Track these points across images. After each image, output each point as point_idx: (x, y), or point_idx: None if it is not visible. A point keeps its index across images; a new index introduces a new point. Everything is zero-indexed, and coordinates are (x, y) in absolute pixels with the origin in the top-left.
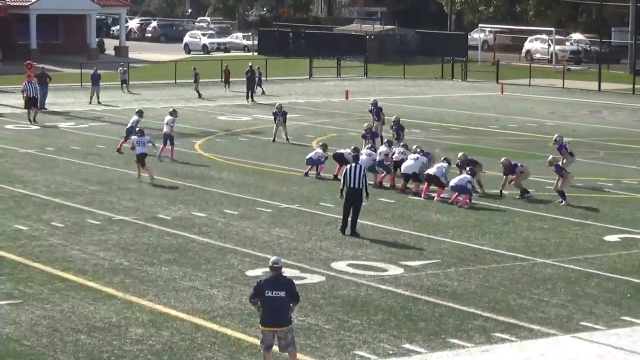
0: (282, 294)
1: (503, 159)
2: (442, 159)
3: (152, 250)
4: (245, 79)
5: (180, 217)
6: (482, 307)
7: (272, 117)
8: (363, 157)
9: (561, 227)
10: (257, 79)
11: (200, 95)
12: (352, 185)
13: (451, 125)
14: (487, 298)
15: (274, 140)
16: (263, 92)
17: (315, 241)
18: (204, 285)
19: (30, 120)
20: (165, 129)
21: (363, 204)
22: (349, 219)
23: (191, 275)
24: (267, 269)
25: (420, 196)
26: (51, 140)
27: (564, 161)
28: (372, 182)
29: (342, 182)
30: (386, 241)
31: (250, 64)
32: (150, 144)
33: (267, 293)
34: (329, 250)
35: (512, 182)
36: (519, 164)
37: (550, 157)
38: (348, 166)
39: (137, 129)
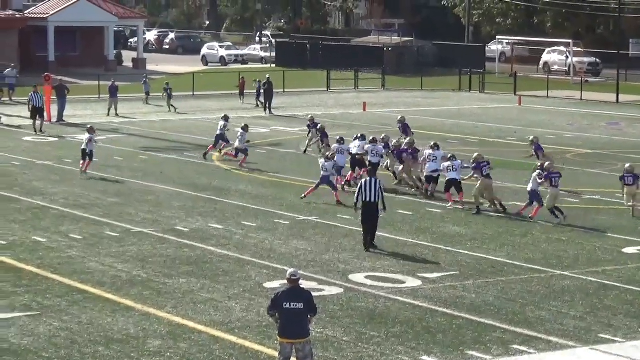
0: (300, 305)
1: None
2: (448, 156)
3: (170, 262)
4: (262, 91)
5: (199, 229)
6: (500, 319)
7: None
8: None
9: (579, 239)
10: (258, 91)
11: (175, 109)
12: (367, 199)
13: (469, 137)
14: (505, 310)
15: (304, 151)
16: (260, 105)
17: (333, 253)
18: (222, 297)
19: (35, 131)
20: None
21: (380, 216)
22: (367, 233)
23: (209, 287)
24: (285, 281)
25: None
26: (69, 152)
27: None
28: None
29: (356, 196)
30: (404, 253)
31: (267, 76)
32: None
33: (285, 305)
34: (347, 262)
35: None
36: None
37: (547, 163)
38: (363, 180)
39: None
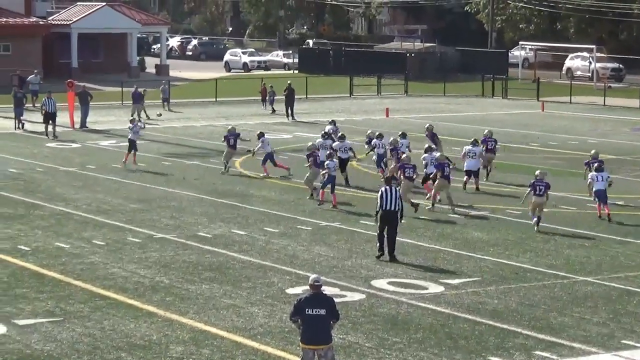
0: (323, 311)
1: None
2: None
3: (192, 268)
4: (273, 98)
5: (221, 234)
6: (523, 325)
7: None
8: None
9: (602, 245)
10: (270, 98)
11: (148, 117)
12: (387, 208)
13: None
14: (527, 316)
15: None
16: (273, 111)
17: (356, 259)
18: (244, 303)
19: (47, 136)
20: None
21: (400, 224)
22: (385, 242)
23: (231, 293)
24: (307, 287)
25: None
26: (92, 159)
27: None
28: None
29: (378, 204)
30: (426, 259)
31: (289, 82)
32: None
33: (308, 311)
34: (369, 268)
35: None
36: None
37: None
38: (383, 188)
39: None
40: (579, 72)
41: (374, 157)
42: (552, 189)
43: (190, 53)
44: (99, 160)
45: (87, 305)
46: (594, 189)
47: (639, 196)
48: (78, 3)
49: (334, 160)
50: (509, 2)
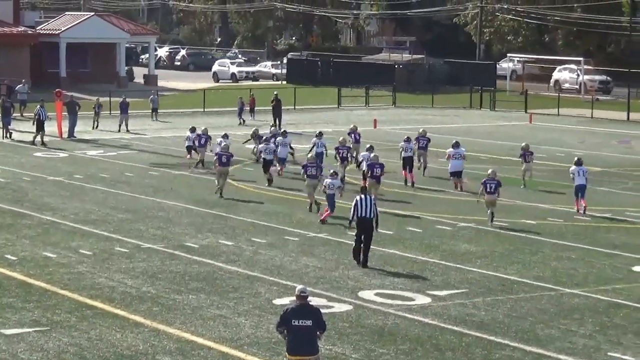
0: (309, 322)
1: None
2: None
3: (179, 278)
4: (271, 108)
5: (208, 245)
6: (510, 337)
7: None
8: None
9: (589, 257)
10: (243, 108)
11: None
12: (363, 215)
13: (480, 155)
14: (514, 328)
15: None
16: (243, 122)
17: (343, 270)
18: (231, 314)
19: (35, 144)
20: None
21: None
22: (361, 249)
23: (218, 303)
24: (294, 298)
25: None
26: (80, 168)
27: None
28: None
29: (352, 212)
30: (413, 270)
31: (275, 93)
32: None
33: (294, 322)
34: (357, 279)
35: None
36: None
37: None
38: (358, 197)
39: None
40: (566, 85)
41: (310, 155)
42: (540, 202)
43: (178, 63)
44: (87, 169)
45: (74, 315)
46: (574, 184)
47: (626, 208)
48: (66, 13)
49: (336, 179)
50: (497, 14)
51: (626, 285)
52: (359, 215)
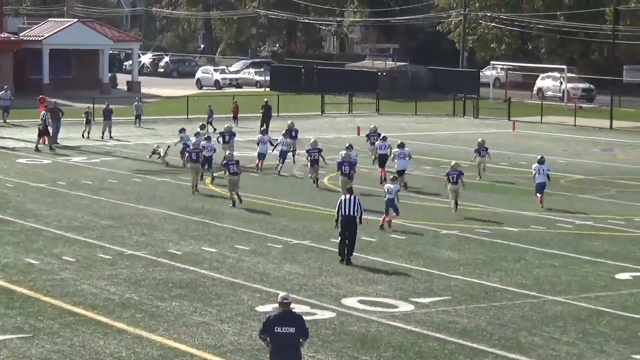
0: (292, 329)
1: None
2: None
3: (162, 285)
4: (260, 114)
5: (191, 252)
6: (493, 345)
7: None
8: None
9: (572, 265)
10: (212, 115)
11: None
12: (346, 214)
13: (463, 162)
14: (497, 335)
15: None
16: (214, 130)
17: (326, 277)
18: (214, 321)
19: (37, 149)
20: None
21: (358, 232)
22: (346, 248)
23: (201, 310)
24: (277, 305)
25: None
26: (63, 175)
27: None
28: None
29: (336, 211)
30: (397, 278)
31: (265, 100)
32: None
33: (277, 329)
34: (340, 287)
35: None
36: None
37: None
38: (343, 197)
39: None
40: (549, 92)
41: (275, 151)
42: (522, 209)
43: (162, 70)
44: (70, 176)
45: (57, 321)
46: (536, 181)
47: (609, 216)
48: (50, 19)
49: (395, 184)
50: (480, 22)
51: (609, 292)
52: (343, 214)
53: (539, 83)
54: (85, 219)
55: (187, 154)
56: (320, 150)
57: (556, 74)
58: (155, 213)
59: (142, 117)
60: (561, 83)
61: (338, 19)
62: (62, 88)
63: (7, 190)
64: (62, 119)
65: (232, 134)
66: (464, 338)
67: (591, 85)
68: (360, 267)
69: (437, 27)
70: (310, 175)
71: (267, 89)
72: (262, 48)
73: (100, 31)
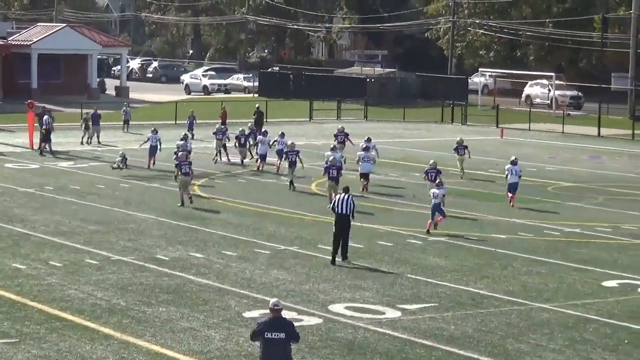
0: (282, 335)
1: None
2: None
3: (149, 290)
4: (252, 120)
5: (179, 257)
6: (480, 351)
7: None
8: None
9: (559, 272)
10: (194, 121)
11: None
12: (340, 212)
13: (451, 169)
14: (484, 342)
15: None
16: (193, 137)
17: (313, 283)
18: (201, 326)
19: (41, 153)
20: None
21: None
22: (339, 247)
23: (188, 316)
24: (266, 311)
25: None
26: (50, 180)
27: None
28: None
29: (331, 207)
30: (384, 284)
31: (257, 105)
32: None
33: (267, 335)
34: (327, 293)
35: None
36: None
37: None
38: (338, 196)
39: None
40: (538, 100)
41: (256, 150)
42: (510, 216)
43: (150, 75)
44: (57, 181)
45: (43, 326)
46: (508, 182)
47: (597, 223)
48: (38, 24)
49: (441, 188)
50: (469, 28)
51: (596, 300)
52: (337, 212)
53: (527, 90)
54: (72, 224)
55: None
56: (297, 152)
57: (544, 81)
58: (143, 218)
59: (130, 123)
60: (549, 90)
61: (327, 25)
62: (51, 93)
63: None
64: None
65: (247, 136)
66: (450, 345)
67: (579, 93)
68: (348, 273)
69: (426, 34)
70: (287, 177)
71: (256, 95)
72: (250, 54)
73: (89, 36)
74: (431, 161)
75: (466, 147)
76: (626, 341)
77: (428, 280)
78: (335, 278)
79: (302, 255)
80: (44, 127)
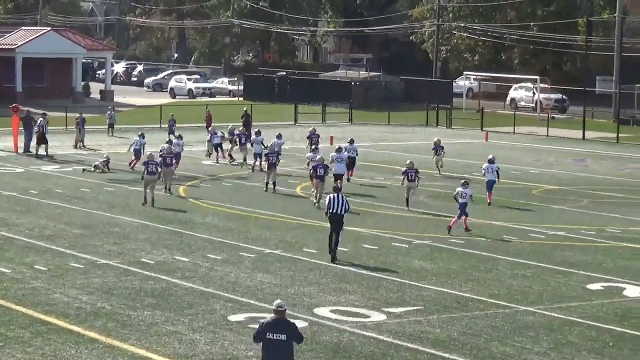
0: (283, 337)
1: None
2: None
3: (134, 294)
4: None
5: (164, 261)
6: (465, 355)
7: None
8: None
9: (544, 275)
10: (174, 125)
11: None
12: (334, 211)
13: (435, 172)
14: (469, 345)
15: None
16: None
17: (298, 287)
18: (186, 330)
19: (37, 156)
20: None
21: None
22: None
23: (173, 319)
24: (252, 314)
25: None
26: (35, 183)
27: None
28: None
29: (326, 207)
30: (369, 287)
31: (245, 109)
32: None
33: (268, 335)
34: (312, 296)
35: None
36: None
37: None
38: (331, 195)
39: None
40: (522, 103)
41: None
42: (495, 219)
43: (135, 79)
44: (42, 185)
45: (28, 330)
46: (486, 179)
47: (581, 226)
48: (23, 27)
49: (467, 188)
50: (453, 32)
51: (580, 303)
52: (331, 211)
53: (512, 93)
54: (57, 227)
55: (160, 159)
56: (278, 154)
57: (529, 85)
58: (128, 222)
59: (115, 126)
60: (534, 93)
61: (312, 28)
62: (35, 97)
63: None
64: (34, 128)
65: (247, 136)
66: (436, 348)
67: (564, 96)
68: (333, 276)
69: (411, 37)
70: (265, 178)
71: (241, 98)
72: (235, 57)
73: (73, 40)
74: (408, 161)
75: (443, 147)
76: (611, 344)
77: (413, 283)
78: (320, 281)
79: (287, 258)
80: (36, 130)
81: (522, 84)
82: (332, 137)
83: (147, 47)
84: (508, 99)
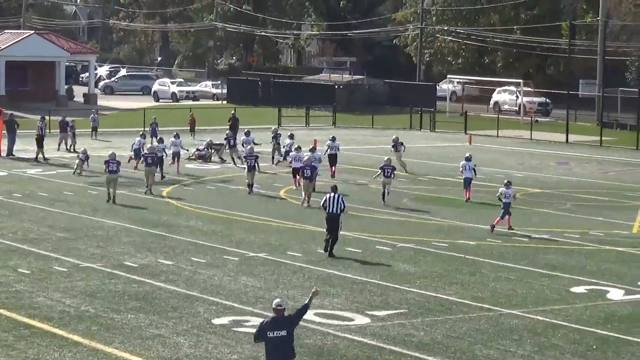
0: (283, 333)
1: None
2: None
3: (118, 297)
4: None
5: (147, 264)
6: (449, 358)
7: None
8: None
9: (528, 278)
10: (157, 129)
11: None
12: (330, 211)
13: (419, 176)
14: (453, 348)
15: None
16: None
17: (282, 290)
18: (170, 333)
19: (37, 160)
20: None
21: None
22: (329, 241)
23: (157, 323)
24: (236, 317)
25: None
26: (19, 187)
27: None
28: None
29: (322, 205)
30: (353, 291)
31: (232, 112)
32: None
33: (269, 334)
34: (296, 299)
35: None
36: None
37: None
38: (328, 195)
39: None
40: (506, 106)
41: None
42: (479, 222)
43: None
44: (26, 188)
45: (11, 334)
46: (462, 177)
47: (565, 229)
48: (6, 31)
49: (510, 188)
50: (437, 35)
51: (564, 306)
52: (328, 211)
53: (496, 97)
54: (40, 230)
55: (142, 158)
56: (257, 157)
57: (512, 88)
58: (112, 225)
59: (98, 130)
60: (517, 97)
61: (295, 32)
62: (19, 100)
63: None
64: (17, 131)
65: (234, 139)
66: (420, 351)
67: (547, 99)
68: (317, 280)
69: (394, 41)
70: (246, 180)
71: (224, 102)
72: (219, 61)
73: (57, 43)
74: (386, 158)
75: (402, 143)
76: (594, 347)
77: (397, 286)
78: (304, 284)
79: (270, 261)
80: (36, 133)
81: (506, 88)
82: (315, 140)
83: (131, 51)
84: (492, 102)
